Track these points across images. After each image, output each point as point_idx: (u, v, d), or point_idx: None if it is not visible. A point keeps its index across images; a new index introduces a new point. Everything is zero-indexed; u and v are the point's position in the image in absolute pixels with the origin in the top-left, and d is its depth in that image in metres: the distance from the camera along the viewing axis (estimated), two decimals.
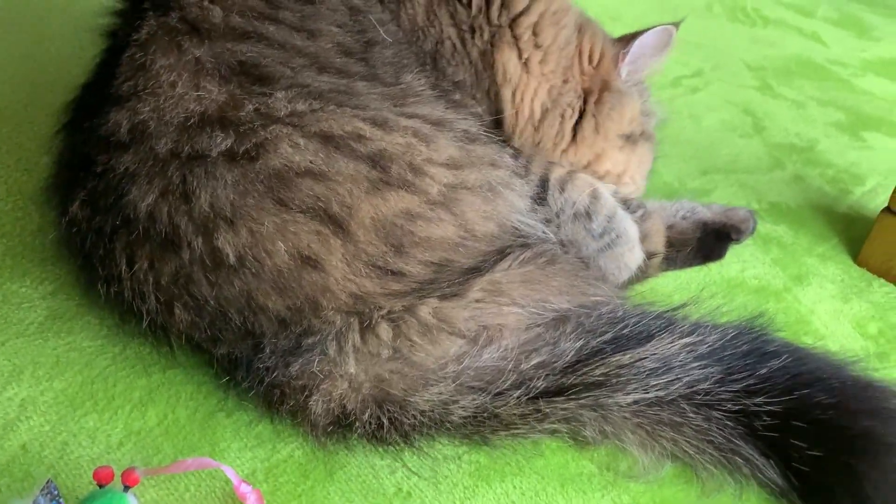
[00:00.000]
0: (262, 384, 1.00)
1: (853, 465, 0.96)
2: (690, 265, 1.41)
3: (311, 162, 0.98)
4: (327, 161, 0.99)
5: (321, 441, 1.01)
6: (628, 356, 1.04)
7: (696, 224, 1.40)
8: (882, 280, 1.44)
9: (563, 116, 1.28)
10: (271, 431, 1.04)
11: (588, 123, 1.28)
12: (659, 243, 1.35)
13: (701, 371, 1.03)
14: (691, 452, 1.02)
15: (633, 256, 1.28)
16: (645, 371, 1.03)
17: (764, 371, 1.04)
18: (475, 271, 1.07)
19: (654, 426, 1.02)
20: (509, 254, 1.10)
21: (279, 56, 1.06)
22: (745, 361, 1.05)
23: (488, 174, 1.11)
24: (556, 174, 1.25)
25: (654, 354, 1.04)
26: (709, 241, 1.40)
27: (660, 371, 1.03)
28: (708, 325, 1.10)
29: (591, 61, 1.30)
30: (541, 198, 1.23)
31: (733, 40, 2.39)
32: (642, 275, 1.33)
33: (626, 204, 1.35)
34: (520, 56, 1.25)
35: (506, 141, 1.25)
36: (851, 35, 2.58)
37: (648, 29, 1.29)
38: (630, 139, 1.32)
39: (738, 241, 1.42)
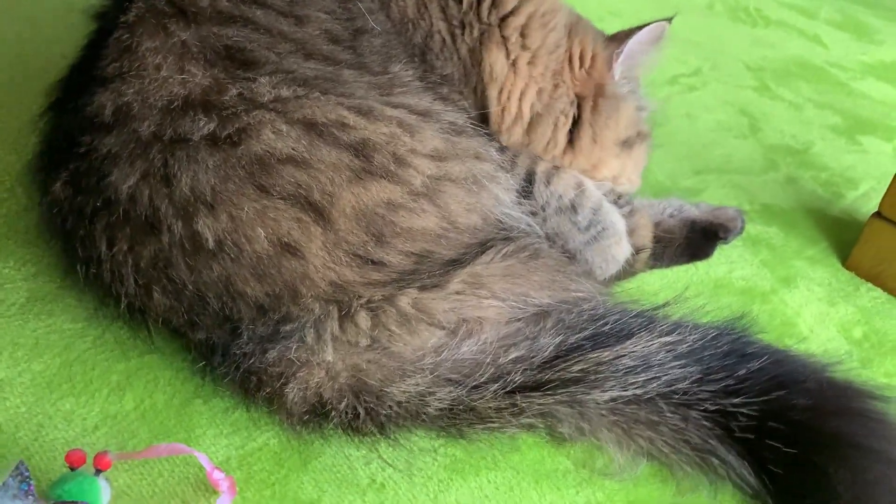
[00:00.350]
0: (238, 370, 1.00)
1: (824, 467, 0.95)
2: (678, 263, 1.40)
3: (293, 149, 0.98)
4: (310, 148, 0.99)
5: (297, 430, 1.01)
6: (607, 353, 1.03)
7: (684, 222, 1.40)
8: (869, 285, 1.43)
9: (556, 124, 1.27)
10: (247, 419, 1.03)
11: (585, 133, 1.27)
12: (646, 238, 1.35)
13: (680, 370, 1.03)
14: (667, 452, 1.02)
15: (621, 249, 1.27)
16: (623, 369, 1.02)
17: (742, 372, 1.03)
18: (456, 263, 1.06)
19: (630, 424, 1.02)
20: (492, 247, 1.10)
21: (265, 41, 1.05)
22: (725, 362, 1.05)
23: (473, 167, 1.11)
24: (542, 167, 1.25)
25: (634, 352, 1.04)
26: (696, 240, 1.40)
27: (638, 369, 1.02)
28: (689, 325, 1.10)
29: (582, 64, 1.29)
30: (527, 191, 1.23)
31: (733, 40, 2.38)
32: (630, 270, 1.33)
33: (615, 199, 1.35)
34: (507, 56, 1.25)
35: (492, 135, 1.24)
36: (852, 38, 2.57)
37: (641, 27, 1.28)
38: (626, 144, 1.32)
39: (725, 240, 1.42)
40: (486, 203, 1.11)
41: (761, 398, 1.00)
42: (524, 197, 1.23)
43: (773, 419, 0.99)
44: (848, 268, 1.47)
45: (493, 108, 1.24)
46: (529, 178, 1.23)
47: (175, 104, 0.99)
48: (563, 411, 1.01)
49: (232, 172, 0.97)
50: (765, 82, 2.15)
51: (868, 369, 1.25)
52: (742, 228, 1.45)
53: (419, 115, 1.09)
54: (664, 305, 1.15)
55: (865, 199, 1.70)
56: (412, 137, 1.05)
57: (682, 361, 1.04)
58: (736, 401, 1.01)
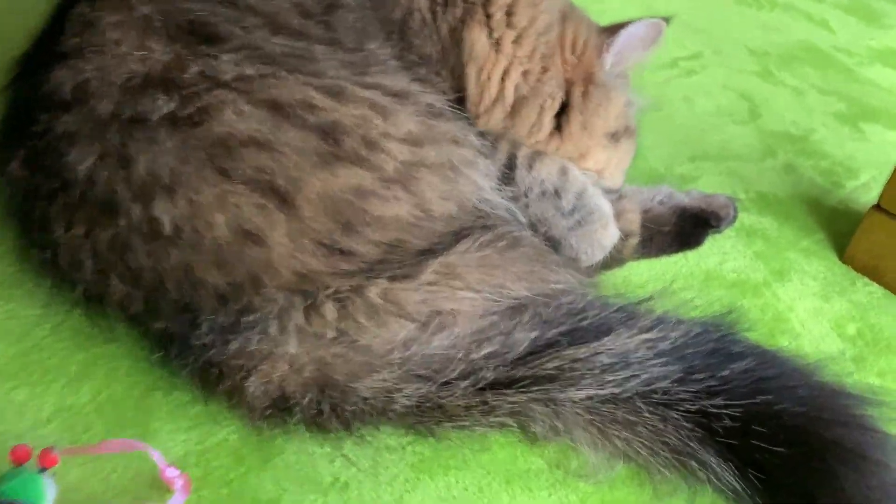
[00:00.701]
0: (198, 362, 0.96)
1: (833, 469, 0.91)
2: (667, 252, 1.35)
3: (256, 131, 0.93)
4: (274, 131, 0.94)
5: (258, 425, 0.96)
6: (584, 350, 0.99)
7: (674, 209, 1.35)
8: (866, 279, 1.38)
9: (542, 107, 1.22)
10: (207, 413, 0.99)
11: (575, 119, 1.22)
12: (634, 223, 1.30)
13: (660, 369, 0.98)
14: (645, 453, 0.97)
15: (608, 234, 1.22)
16: (600, 366, 0.98)
17: (726, 373, 0.99)
18: (430, 253, 1.02)
19: (607, 424, 0.97)
20: (468, 235, 1.05)
21: (232, 15, 1.00)
22: (708, 361, 1.01)
23: (451, 152, 1.06)
24: (524, 152, 1.20)
25: (612, 349, 0.99)
26: (686, 228, 1.35)
27: (616, 367, 0.98)
28: (673, 321, 1.05)
29: (574, 50, 1.24)
30: (508, 176, 1.18)
31: (738, 23, 2.32)
32: (617, 257, 1.28)
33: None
34: (490, 35, 1.19)
35: (471, 119, 1.19)
36: (861, 22, 2.50)
37: (636, 20, 1.23)
38: (615, 137, 1.26)
39: (717, 228, 1.37)
40: (464, 190, 1.07)
41: (746, 401, 0.95)
42: (505, 183, 1.18)
43: (760, 423, 0.94)
44: (844, 261, 1.42)
45: (472, 89, 1.19)
46: (511, 163, 1.18)
47: (134, 82, 0.95)
48: (536, 410, 0.97)
49: (191, 155, 0.92)
50: (768, 67, 2.09)
51: (861, 369, 1.20)
52: (735, 217, 1.40)
53: (394, 97, 1.04)
54: (648, 299, 1.10)
55: (865, 189, 1.64)
56: (385, 120, 1.00)
57: (663, 359, 1.00)
58: (719, 401, 0.96)
